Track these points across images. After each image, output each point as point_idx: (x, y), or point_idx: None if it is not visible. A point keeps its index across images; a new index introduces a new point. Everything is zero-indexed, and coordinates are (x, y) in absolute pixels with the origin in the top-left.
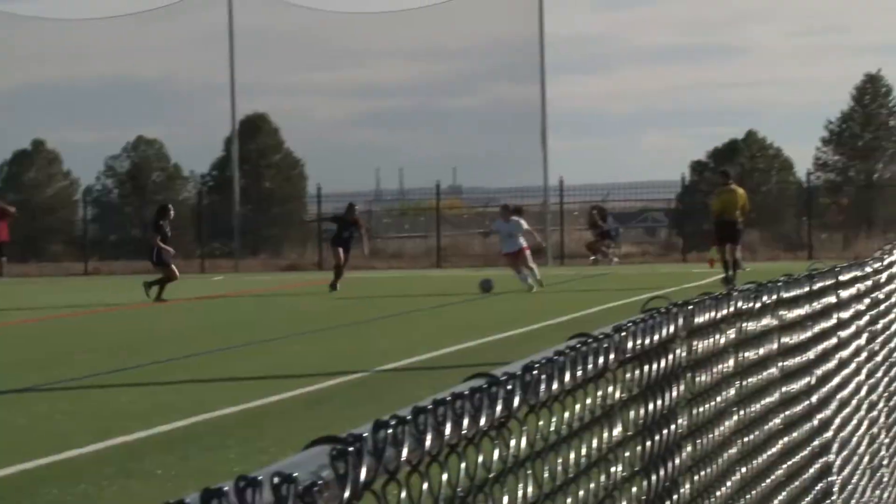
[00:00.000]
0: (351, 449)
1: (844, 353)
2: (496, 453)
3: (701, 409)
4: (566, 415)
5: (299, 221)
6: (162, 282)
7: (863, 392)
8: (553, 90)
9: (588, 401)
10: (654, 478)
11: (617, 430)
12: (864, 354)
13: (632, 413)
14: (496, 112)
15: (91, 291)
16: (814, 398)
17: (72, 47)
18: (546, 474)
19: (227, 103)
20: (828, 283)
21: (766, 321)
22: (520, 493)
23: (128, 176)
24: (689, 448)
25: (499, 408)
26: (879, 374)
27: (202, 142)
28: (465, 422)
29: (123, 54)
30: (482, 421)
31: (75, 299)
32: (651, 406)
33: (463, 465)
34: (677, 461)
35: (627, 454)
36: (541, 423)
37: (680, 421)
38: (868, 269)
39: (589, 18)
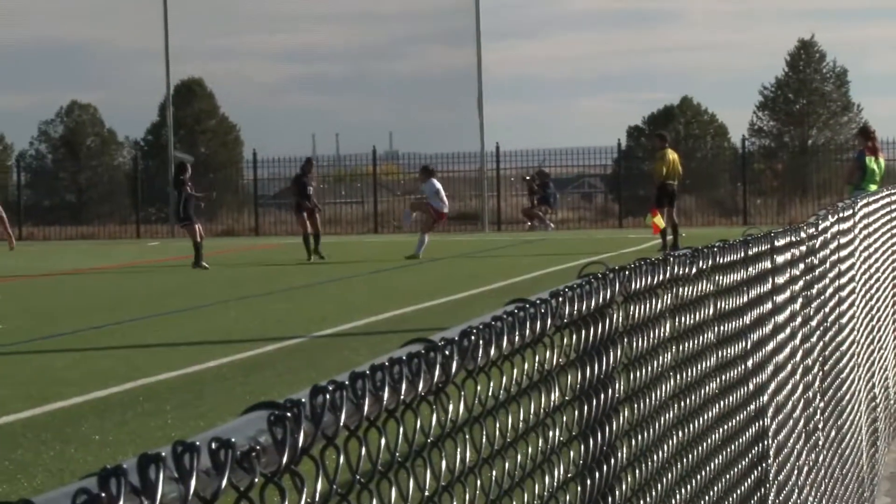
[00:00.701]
0: (289, 414)
1: (780, 318)
2: (434, 418)
3: (638, 374)
4: (504, 380)
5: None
6: (196, 249)
7: (798, 356)
8: (488, 55)
9: (525, 366)
10: (591, 442)
11: (554, 395)
12: (798, 319)
13: (569, 378)
14: (432, 78)
15: (25, 257)
16: (749, 363)
17: (4, 11)
18: (484, 439)
19: (162, 68)
20: (763, 248)
21: (702, 286)
22: (458, 457)
23: (62, 141)
24: (626, 413)
25: (437, 373)
26: (814, 339)
27: (137, 107)
28: (403, 387)
29: (57, 18)
30: (420, 386)
31: (9, 265)
32: (588, 371)
33: (401, 429)
34: (615, 426)
35: (565, 419)
36: (479, 388)
37: (617, 386)
38: (802, 235)
39: None
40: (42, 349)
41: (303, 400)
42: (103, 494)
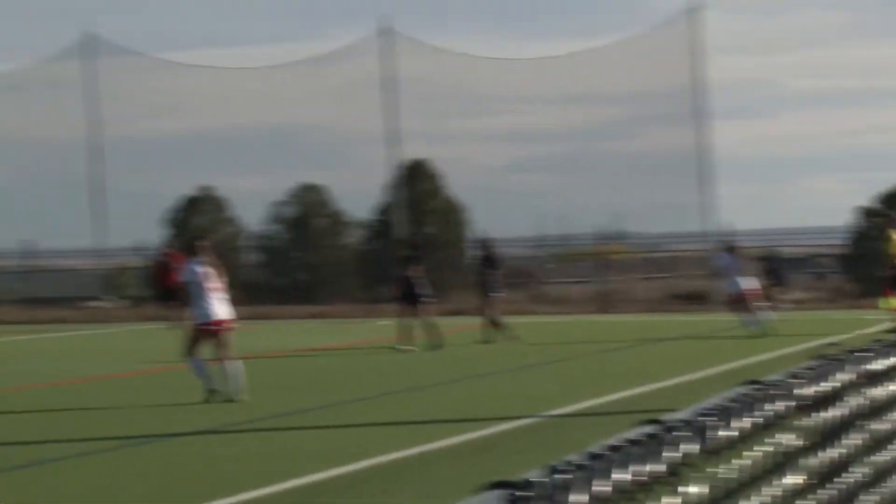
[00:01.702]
0: (524, 493)
1: None
2: (668, 501)
3: (880, 458)
4: (740, 462)
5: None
6: (429, 330)
7: None
8: (714, 135)
9: (762, 448)
10: None
11: (793, 478)
12: None
13: (808, 460)
14: (657, 157)
15: (259, 335)
16: None
17: (231, 95)
18: None
19: (384, 150)
20: None
21: None
22: None
23: (294, 221)
24: (868, 497)
25: (672, 454)
26: None
27: (362, 188)
28: (639, 468)
29: (282, 102)
30: (655, 467)
31: (244, 343)
32: (828, 454)
33: None
34: None
35: (804, 503)
36: (714, 469)
37: (858, 469)
38: None
39: (751, 62)
40: (280, 426)
41: (538, 480)
42: None
